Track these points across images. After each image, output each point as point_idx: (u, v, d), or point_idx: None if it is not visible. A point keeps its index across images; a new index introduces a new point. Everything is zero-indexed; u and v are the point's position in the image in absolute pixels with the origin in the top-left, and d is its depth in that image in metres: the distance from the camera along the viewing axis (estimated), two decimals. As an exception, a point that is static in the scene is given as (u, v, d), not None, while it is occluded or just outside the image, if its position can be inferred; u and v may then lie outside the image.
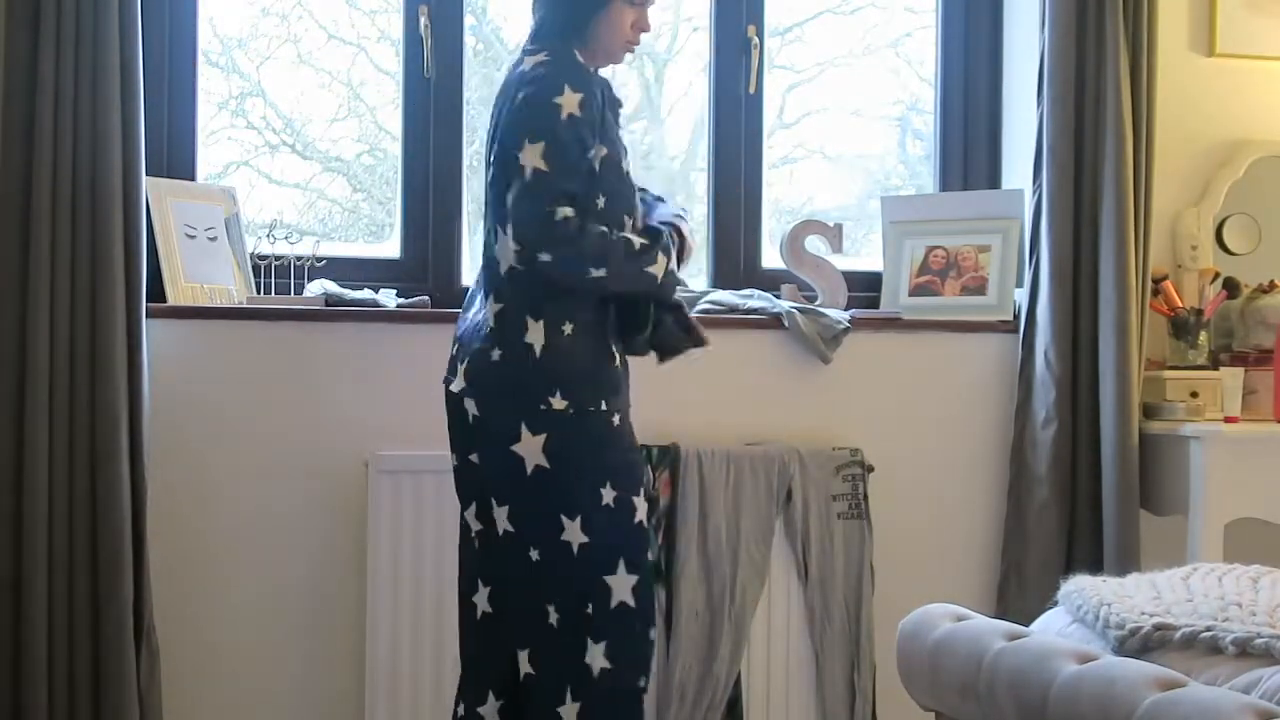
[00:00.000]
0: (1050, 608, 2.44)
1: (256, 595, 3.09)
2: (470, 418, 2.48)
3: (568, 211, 2.40)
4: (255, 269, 3.24)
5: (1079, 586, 2.34)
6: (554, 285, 2.44)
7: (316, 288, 3.15)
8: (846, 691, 3.16)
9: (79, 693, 2.85)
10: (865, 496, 3.21)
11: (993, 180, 3.65)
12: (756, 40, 3.50)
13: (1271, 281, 3.48)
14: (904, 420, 3.38)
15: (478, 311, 2.52)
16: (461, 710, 2.57)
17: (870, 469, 3.23)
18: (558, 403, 2.43)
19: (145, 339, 2.91)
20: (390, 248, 3.41)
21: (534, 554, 2.44)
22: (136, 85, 2.89)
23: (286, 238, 3.27)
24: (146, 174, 2.95)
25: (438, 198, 3.34)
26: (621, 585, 2.46)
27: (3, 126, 2.84)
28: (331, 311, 3.10)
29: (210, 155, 3.35)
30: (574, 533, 2.43)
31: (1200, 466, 3.16)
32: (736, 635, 3.10)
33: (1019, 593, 3.33)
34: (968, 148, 3.65)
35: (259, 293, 3.22)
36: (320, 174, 3.51)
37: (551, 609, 2.45)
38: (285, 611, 3.10)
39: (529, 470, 2.43)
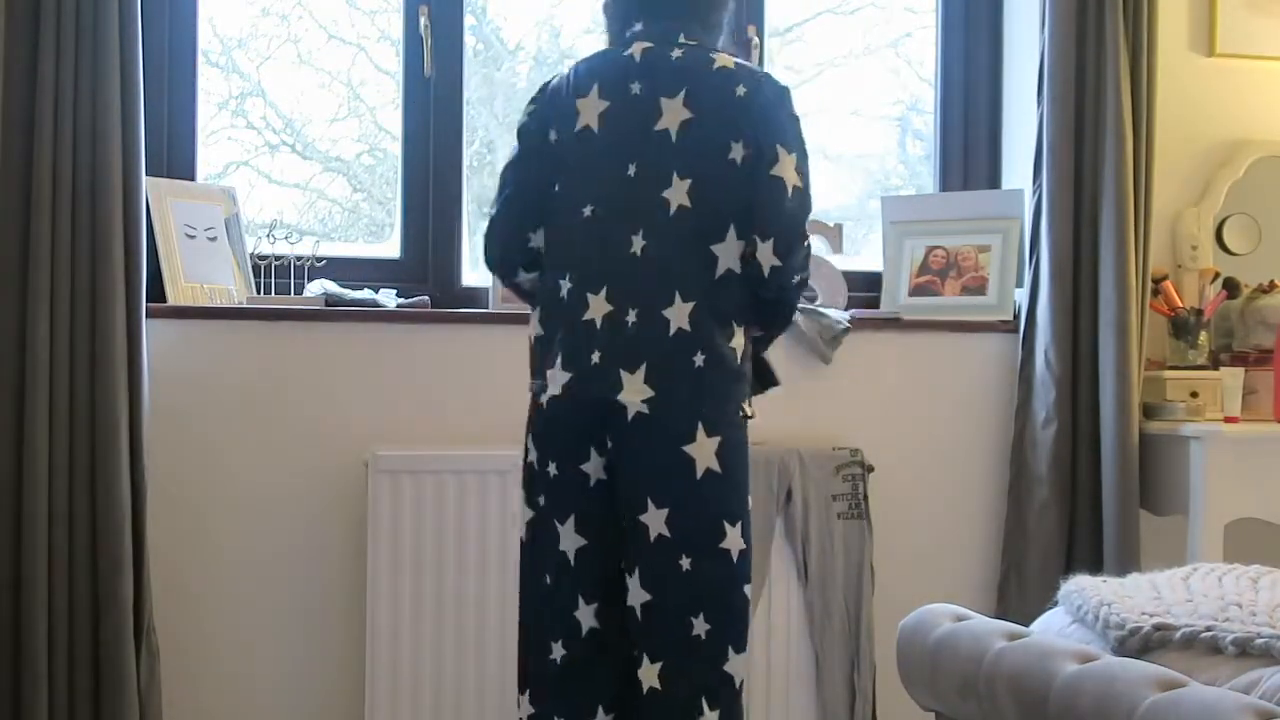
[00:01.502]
0: (1050, 608, 2.44)
1: (256, 595, 3.09)
2: (630, 414, 2.32)
3: (809, 239, 2.41)
4: (255, 269, 3.24)
5: (1079, 586, 2.34)
6: (770, 305, 2.41)
7: (316, 288, 3.15)
8: (846, 691, 3.16)
9: (79, 693, 2.85)
10: (865, 496, 3.21)
11: (993, 180, 3.65)
12: (756, 40, 3.50)
13: (1271, 281, 3.48)
14: (904, 420, 3.38)
15: (644, 310, 2.35)
16: None
17: (870, 469, 3.23)
18: (747, 408, 2.41)
19: (145, 339, 2.91)
20: (390, 248, 3.41)
21: (685, 562, 2.33)
22: (136, 85, 2.89)
23: (286, 238, 3.27)
24: (146, 174, 2.95)
25: (438, 198, 3.34)
26: (748, 593, 2.43)
27: (3, 126, 2.84)
28: (331, 311, 3.10)
29: (210, 155, 3.35)
30: (735, 540, 2.36)
31: (1200, 466, 3.16)
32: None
33: (1019, 593, 3.32)
34: (968, 148, 3.66)
35: (259, 293, 3.22)
36: (320, 174, 3.51)
37: (699, 619, 2.34)
38: (285, 611, 3.10)
39: (699, 473, 2.32)
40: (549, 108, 2.51)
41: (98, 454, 2.85)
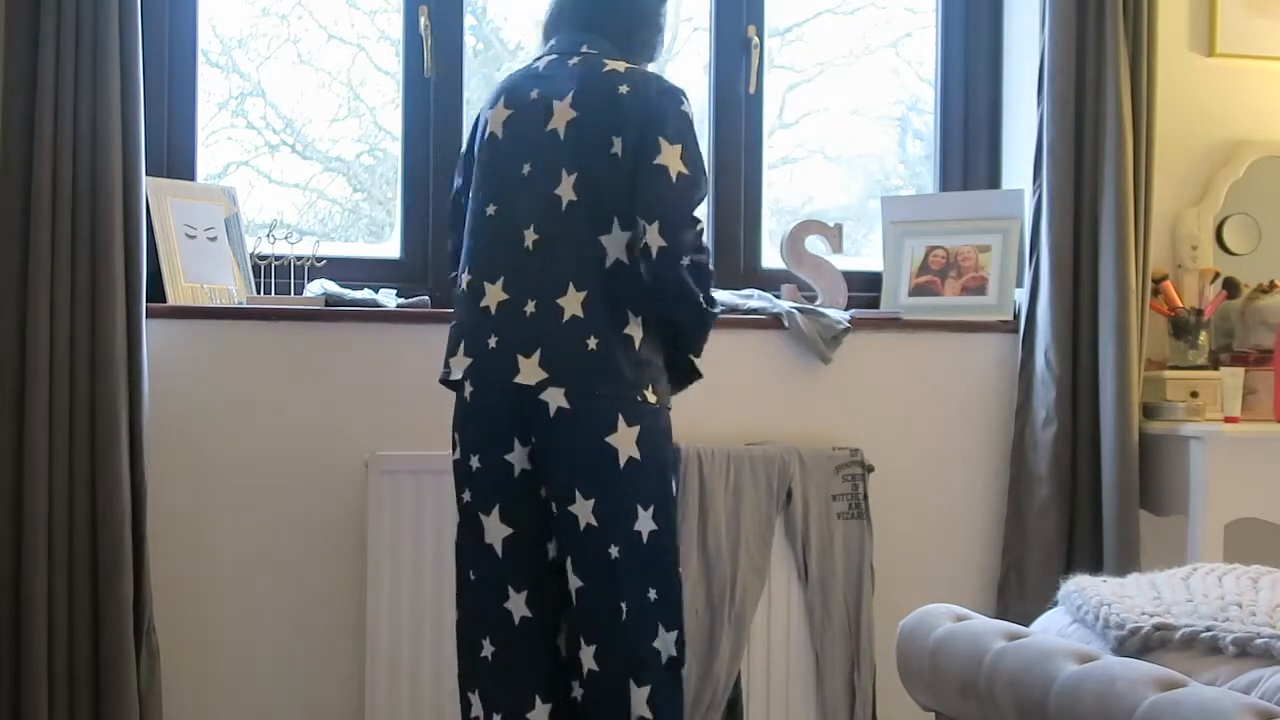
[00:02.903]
0: (1050, 608, 2.44)
1: (256, 595, 3.09)
2: (552, 410, 2.45)
3: (701, 223, 2.54)
4: (255, 269, 3.24)
5: (1079, 586, 2.34)
6: (666, 289, 2.48)
7: (316, 288, 3.15)
8: (846, 691, 3.16)
9: (79, 693, 2.85)
10: (865, 496, 3.21)
11: (993, 180, 3.65)
12: (756, 40, 3.50)
13: (1271, 281, 3.48)
14: (904, 420, 3.38)
15: (541, 300, 2.47)
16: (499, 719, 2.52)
17: (870, 469, 3.23)
18: (650, 396, 2.51)
19: (145, 339, 2.90)
20: (390, 248, 3.41)
21: (614, 550, 2.47)
22: (136, 85, 2.89)
23: (286, 238, 3.27)
24: (146, 174, 2.95)
25: (438, 198, 3.33)
26: (677, 572, 2.56)
27: (3, 126, 2.84)
28: (331, 311, 3.10)
29: (210, 155, 3.35)
30: (645, 522, 2.49)
31: (1200, 466, 3.16)
32: (736, 635, 3.10)
33: (1019, 593, 3.33)
34: (968, 148, 3.66)
35: (259, 293, 3.22)
36: (320, 174, 3.51)
37: (625, 603, 2.47)
38: (285, 611, 3.10)
39: (622, 462, 2.46)
40: (473, 129, 2.71)
41: (98, 454, 2.85)
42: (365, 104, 3.49)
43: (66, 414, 2.84)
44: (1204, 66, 3.58)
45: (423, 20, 3.32)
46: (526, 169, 2.54)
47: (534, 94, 2.58)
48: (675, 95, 2.54)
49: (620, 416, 2.46)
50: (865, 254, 3.69)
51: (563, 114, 2.53)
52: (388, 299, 3.19)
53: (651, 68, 2.70)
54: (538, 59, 2.66)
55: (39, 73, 2.83)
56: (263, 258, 3.24)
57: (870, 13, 3.75)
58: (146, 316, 2.92)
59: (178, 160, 3.22)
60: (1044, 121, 3.33)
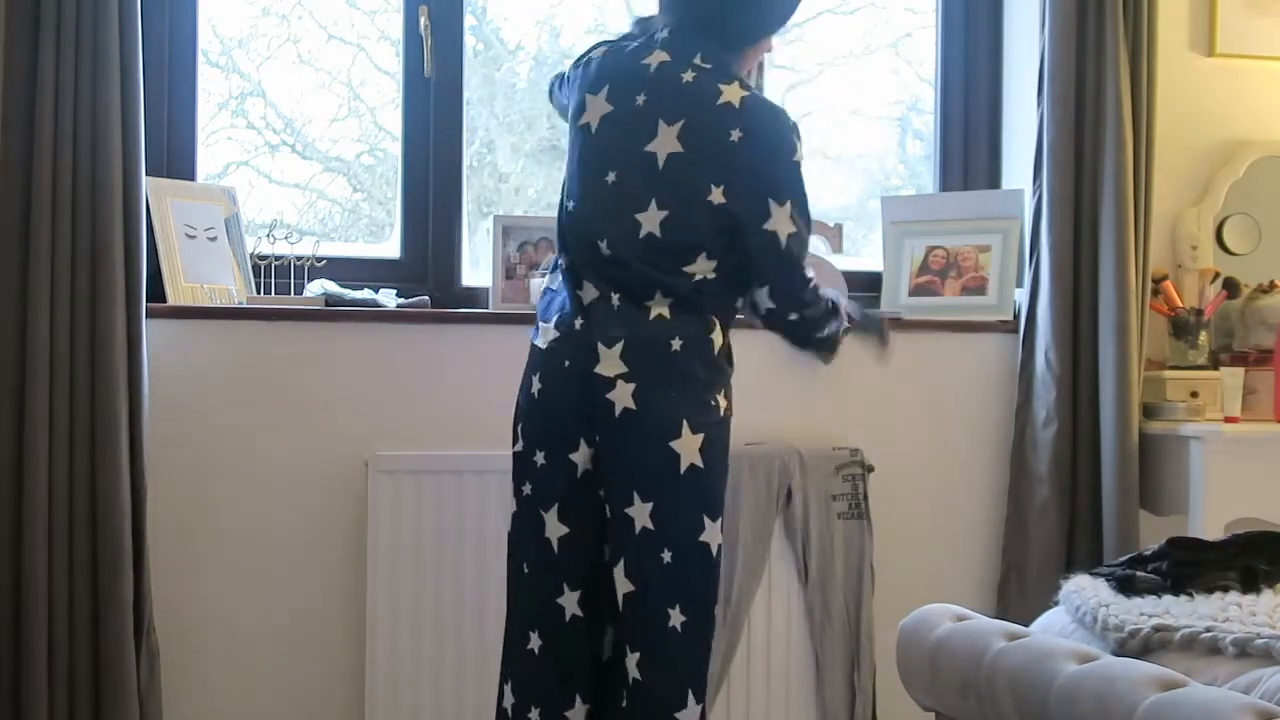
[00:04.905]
0: (1050, 608, 2.45)
1: (256, 596, 3.09)
2: (617, 411, 2.39)
3: (811, 277, 2.50)
4: (255, 269, 3.24)
5: (1079, 587, 2.34)
6: (773, 330, 2.55)
7: (316, 288, 3.15)
8: (846, 691, 3.16)
9: (79, 693, 2.85)
10: (865, 496, 3.21)
11: (993, 180, 3.65)
12: (756, 40, 3.49)
13: (1271, 281, 3.48)
14: (904, 420, 3.38)
15: (627, 297, 2.42)
16: (535, 716, 2.48)
17: (870, 469, 3.23)
18: (721, 402, 2.48)
19: (145, 339, 2.90)
20: (390, 248, 3.41)
21: (666, 555, 2.40)
22: (136, 85, 2.88)
23: (286, 238, 3.27)
24: (146, 174, 2.95)
25: (438, 198, 3.34)
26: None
27: (3, 126, 2.84)
28: (331, 311, 3.10)
29: (210, 155, 3.35)
30: (713, 534, 2.44)
31: (1200, 466, 3.16)
32: (731, 636, 3.10)
33: (1019, 593, 3.33)
34: (968, 148, 3.66)
35: (259, 293, 3.22)
36: (320, 174, 3.51)
37: (676, 611, 2.41)
38: (285, 612, 3.10)
39: (682, 468, 2.40)
40: (576, 92, 2.56)
41: (98, 454, 2.84)
42: (365, 104, 3.49)
43: (66, 414, 2.84)
44: (1204, 66, 3.58)
45: (423, 20, 3.32)
46: (612, 177, 2.44)
47: (639, 99, 2.43)
48: (789, 142, 2.42)
49: (685, 422, 2.40)
50: (865, 254, 3.69)
51: (667, 141, 2.40)
52: (388, 299, 3.19)
53: None
54: (646, 41, 2.48)
55: (39, 73, 2.83)
56: (263, 258, 3.24)
57: (870, 13, 3.75)
58: (146, 316, 2.92)
59: (178, 160, 3.22)
60: (1044, 122, 3.34)
